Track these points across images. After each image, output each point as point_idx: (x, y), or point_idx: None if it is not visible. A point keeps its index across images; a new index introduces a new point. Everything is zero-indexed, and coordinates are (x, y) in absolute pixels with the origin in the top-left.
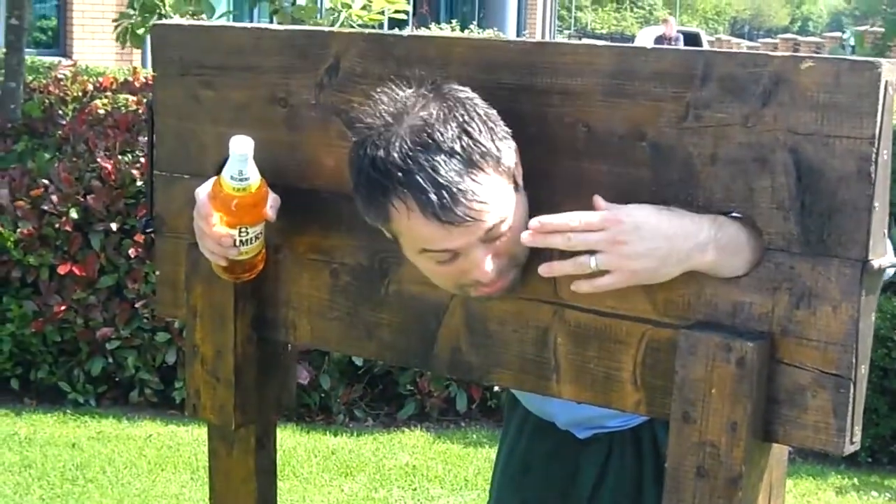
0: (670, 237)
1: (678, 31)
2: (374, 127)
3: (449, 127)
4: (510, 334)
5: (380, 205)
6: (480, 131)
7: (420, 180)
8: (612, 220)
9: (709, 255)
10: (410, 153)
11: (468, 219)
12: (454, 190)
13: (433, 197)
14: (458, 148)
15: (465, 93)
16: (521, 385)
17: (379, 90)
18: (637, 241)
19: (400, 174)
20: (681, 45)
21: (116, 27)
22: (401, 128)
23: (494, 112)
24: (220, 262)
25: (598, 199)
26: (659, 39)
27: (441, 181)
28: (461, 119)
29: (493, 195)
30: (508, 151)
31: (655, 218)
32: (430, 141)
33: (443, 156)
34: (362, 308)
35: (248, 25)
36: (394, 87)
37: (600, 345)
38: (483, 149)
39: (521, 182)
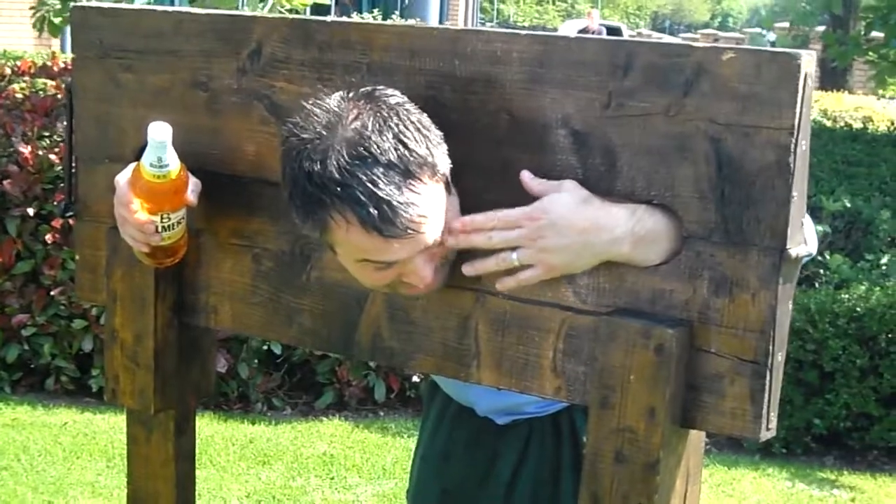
0: (586, 231)
1: (600, 25)
2: (308, 139)
3: (385, 138)
4: (432, 321)
5: (317, 218)
6: (416, 140)
7: (359, 194)
8: (530, 217)
9: (625, 247)
10: (348, 167)
11: (408, 231)
12: (394, 203)
13: (373, 211)
14: (394, 159)
15: (396, 98)
16: (441, 371)
17: (311, 101)
18: (554, 235)
19: (338, 188)
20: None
21: (34, 14)
22: (335, 140)
23: (426, 117)
24: (143, 249)
25: (525, 174)
26: (583, 32)
27: (380, 195)
28: (396, 129)
29: (432, 205)
30: (443, 157)
31: (572, 212)
32: (366, 154)
33: (380, 168)
34: (284, 294)
35: (170, 9)
36: (325, 96)
37: (521, 332)
38: (420, 158)
39: (451, 183)
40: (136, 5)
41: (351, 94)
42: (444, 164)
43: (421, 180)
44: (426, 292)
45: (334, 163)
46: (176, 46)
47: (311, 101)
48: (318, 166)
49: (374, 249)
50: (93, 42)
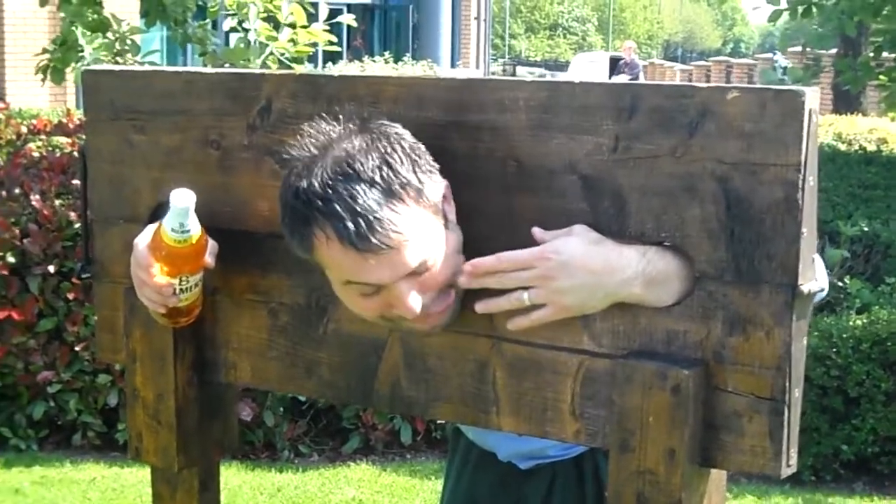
0: (597, 272)
1: (631, 58)
2: (300, 159)
3: (370, 157)
4: (449, 368)
5: (302, 235)
6: (402, 163)
7: (338, 208)
8: (541, 258)
9: (637, 287)
10: (330, 182)
11: (384, 247)
12: (371, 218)
13: (349, 224)
14: (377, 178)
15: (395, 128)
16: (461, 419)
17: (309, 125)
18: (565, 276)
19: (319, 203)
20: (638, 71)
21: (38, 63)
22: (325, 159)
23: (422, 147)
24: (160, 310)
25: (537, 231)
26: (618, 65)
27: (358, 209)
28: (383, 150)
29: (413, 226)
30: (433, 185)
31: (583, 253)
32: (350, 171)
33: (362, 185)
34: (301, 347)
35: (180, 69)
36: (323, 121)
37: (538, 376)
38: (403, 180)
39: (452, 218)
40: (146, 67)
41: (349, 122)
42: (434, 192)
43: (403, 201)
44: (430, 328)
45: (318, 179)
46: (187, 106)
47: (307, 125)
48: (304, 182)
49: (354, 267)
50: (104, 104)
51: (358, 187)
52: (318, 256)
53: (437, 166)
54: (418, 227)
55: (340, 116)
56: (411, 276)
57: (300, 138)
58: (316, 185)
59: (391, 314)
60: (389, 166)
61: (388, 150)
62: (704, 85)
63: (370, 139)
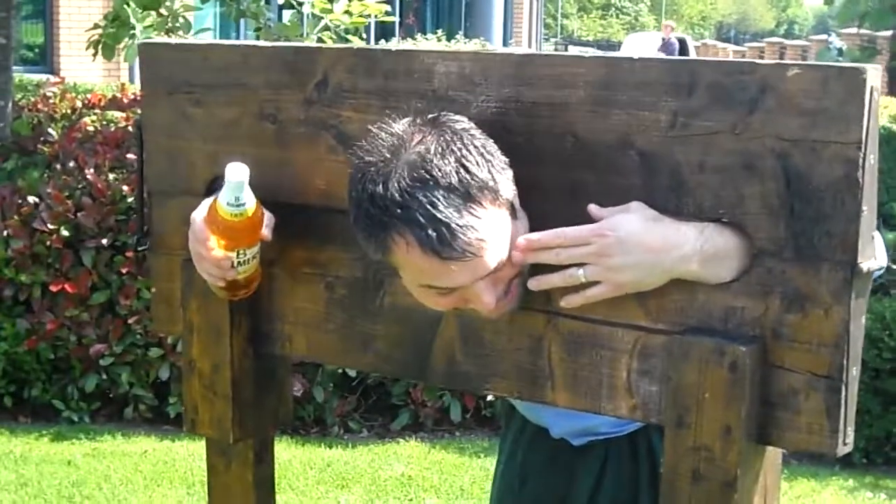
0: (654, 250)
1: (668, 38)
2: (372, 162)
3: (446, 161)
4: (505, 343)
5: (379, 240)
6: (478, 164)
7: (419, 216)
8: (598, 234)
9: (693, 265)
10: (408, 189)
11: (467, 255)
12: (452, 226)
13: (431, 233)
14: (455, 182)
15: (462, 123)
16: (517, 394)
17: (377, 124)
18: (622, 253)
19: (398, 210)
20: (674, 51)
21: (89, 38)
22: (398, 163)
23: (491, 142)
24: (218, 283)
25: (593, 208)
26: (661, 43)
27: (439, 217)
28: (459, 153)
29: (492, 229)
30: (506, 182)
31: (640, 230)
32: (427, 176)
33: (440, 191)
34: (357, 320)
35: (237, 43)
36: (391, 120)
37: (594, 352)
38: (480, 182)
39: (518, 205)
40: (201, 39)
41: (417, 120)
42: (508, 190)
43: (482, 204)
44: (498, 316)
45: (395, 185)
46: (243, 80)
47: (377, 126)
48: (381, 188)
49: (434, 272)
50: (161, 78)
51: (437, 193)
52: (394, 260)
53: (506, 160)
54: (496, 229)
55: (409, 112)
56: (488, 275)
57: (369, 139)
58: (394, 191)
59: (465, 307)
60: (466, 169)
61: (463, 151)
62: (765, 62)
63: (443, 140)
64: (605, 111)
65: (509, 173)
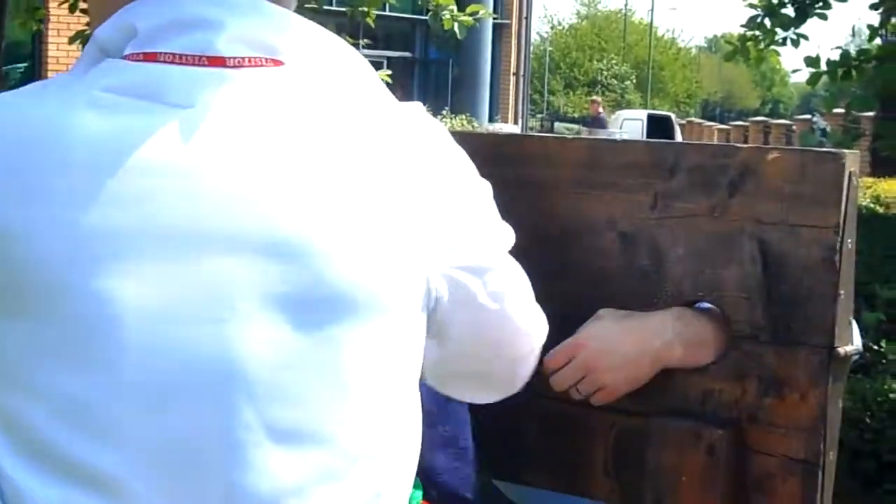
0: (637, 342)
1: (598, 114)
2: None
3: None
4: (485, 422)
5: None
6: None
7: None
8: (576, 347)
9: (677, 351)
10: None
11: None
12: None
13: None
14: None
15: None
16: (495, 475)
17: None
18: (606, 358)
19: None
20: (604, 126)
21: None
22: None
23: None
24: None
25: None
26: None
27: None
28: None
29: None
30: None
31: (616, 329)
32: None
33: None
34: None
35: None
36: None
37: (572, 434)
38: None
39: None
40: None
41: None
42: None
43: None
44: None
45: None
46: None
47: None
48: None
49: None
50: None
51: None
52: None
53: None
54: None
55: None
56: None
57: None
58: None
59: None
60: None
61: None
62: (745, 146)
63: None
64: (588, 192)
65: None
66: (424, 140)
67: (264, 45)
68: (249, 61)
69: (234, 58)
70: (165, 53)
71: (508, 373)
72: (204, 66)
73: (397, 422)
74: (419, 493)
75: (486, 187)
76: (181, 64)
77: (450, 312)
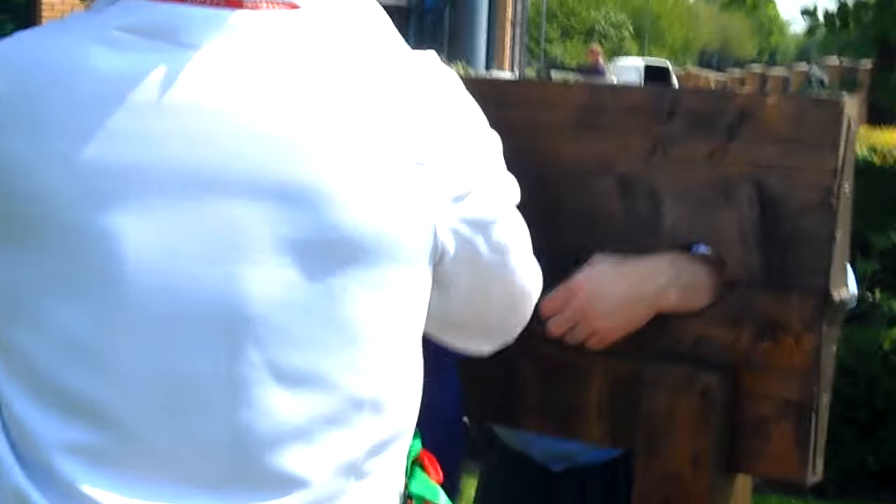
0: (632, 285)
1: (596, 63)
2: None
3: None
4: (480, 367)
5: None
6: None
7: None
8: (569, 291)
9: (672, 296)
10: None
11: None
12: None
13: None
14: None
15: None
16: (491, 419)
17: None
18: (601, 303)
19: None
20: (603, 77)
21: None
22: None
23: None
24: None
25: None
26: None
27: None
28: None
29: None
30: None
31: (609, 274)
32: None
33: None
34: None
35: None
36: None
37: (566, 377)
38: None
39: None
40: None
41: None
42: None
43: None
44: None
45: None
46: None
47: None
48: None
49: None
50: None
51: None
52: None
53: None
54: None
55: None
56: None
57: None
58: None
59: None
60: None
61: None
62: (744, 91)
63: None
64: (587, 135)
65: None
66: (436, 89)
67: None
68: (266, 4)
69: (251, 0)
70: None
71: (504, 324)
72: (222, 7)
73: (402, 371)
74: (418, 443)
75: (495, 139)
76: (201, 4)
77: (453, 264)
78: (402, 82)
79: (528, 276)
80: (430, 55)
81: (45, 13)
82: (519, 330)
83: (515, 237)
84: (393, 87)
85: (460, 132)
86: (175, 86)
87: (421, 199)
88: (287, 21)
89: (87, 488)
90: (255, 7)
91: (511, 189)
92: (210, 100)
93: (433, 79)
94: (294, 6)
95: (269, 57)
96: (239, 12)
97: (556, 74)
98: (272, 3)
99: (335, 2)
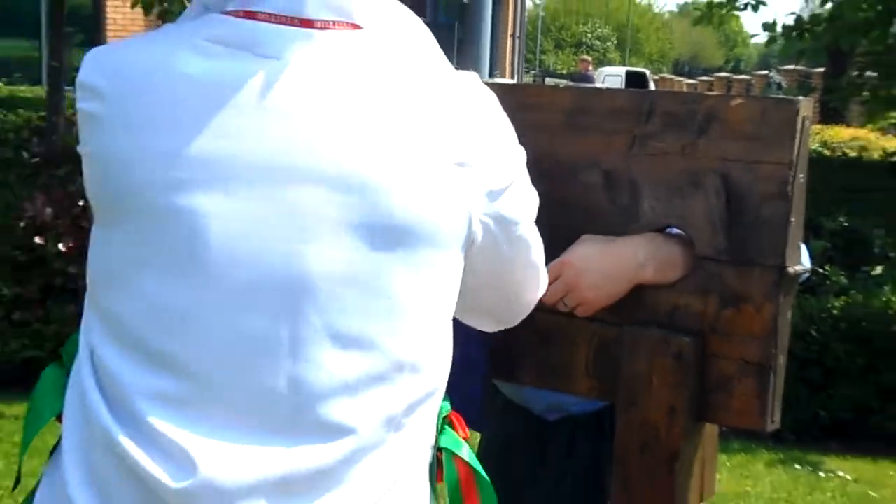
0: (614, 262)
1: (586, 71)
2: None
3: None
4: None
5: None
6: None
7: None
8: (562, 266)
9: (649, 271)
10: None
11: None
12: None
13: None
14: None
15: None
16: (495, 375)
17: None
18: (587, 277)
19: None
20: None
21: None
22: None
23: None
24: None
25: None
26: (578, 77)
27: None
28: None
29: None
30: None
31: (595, 252)
32: None
33: None
34: None
35: None
36: None
37: (559, 340)
38: None
39: None
40: None
41: None
42: None
43: None
44: None
45: None
46: None
47: None
48: None
49: None
50: None
51: None
52: None
53: None
54: None
55: None
56: None
57: None
58: None
59: None
60: None
61: None
62: (712, 94)
63: None
64: (576, 134)
65: None
66: (476, 105)
67: (344, 11)
68: (334, 25)
69: (322, 20)
70: (263, 13)
71: (509, 312)
72: (296, 25)
73: (437, 339)
74: (448, 404)
75: (522, 153)
76: (277, 23)
77: (479, 252)
78: (449, 97)
79: (536, 275)
80: (473, 76)
81: (110, 26)
82: (521, 318)
83: (532, 240)
84: (440, 100)
85: (495, 141)
86: (256, 89)
87: (460, 195)
88: (352, 39)
89: (164, 425)
90: (325, 28)
91: (533, 200)
92: (286, 103)
93: (475, 96)
94: (357, 27)
95: (337, 69)
96: (311, 31)
97: (549, 80)
98: (339, 24)
99: (392, 24)
